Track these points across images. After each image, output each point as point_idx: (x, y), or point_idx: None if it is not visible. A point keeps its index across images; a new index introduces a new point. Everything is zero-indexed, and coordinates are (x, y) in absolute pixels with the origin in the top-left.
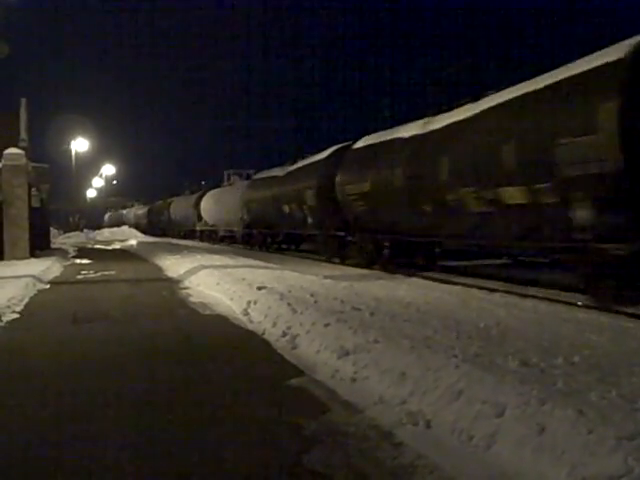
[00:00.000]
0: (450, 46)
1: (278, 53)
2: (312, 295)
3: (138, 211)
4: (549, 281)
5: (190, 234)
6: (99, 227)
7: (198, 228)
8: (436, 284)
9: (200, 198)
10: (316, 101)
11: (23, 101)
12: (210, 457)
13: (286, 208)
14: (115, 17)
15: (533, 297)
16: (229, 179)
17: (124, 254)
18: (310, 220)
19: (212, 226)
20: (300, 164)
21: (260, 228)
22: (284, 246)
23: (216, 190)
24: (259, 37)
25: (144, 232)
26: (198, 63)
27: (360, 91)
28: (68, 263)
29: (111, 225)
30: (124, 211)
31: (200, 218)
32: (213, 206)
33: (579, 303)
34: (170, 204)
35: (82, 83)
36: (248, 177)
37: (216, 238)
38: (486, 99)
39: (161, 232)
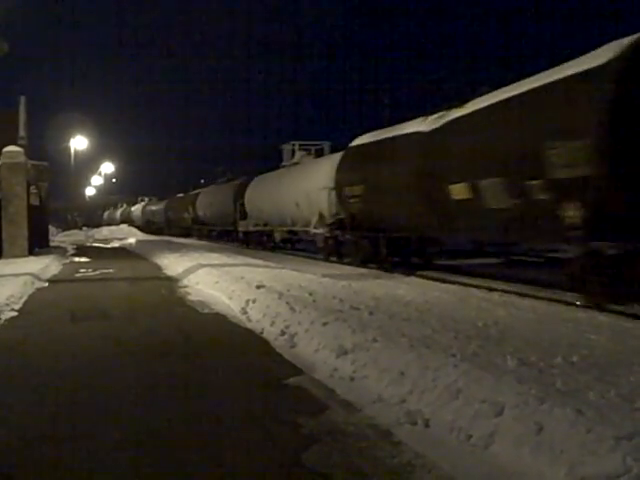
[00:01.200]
0: (451, 44)
1: (277, 49)
2: (311, 294)
3: (151, 207)
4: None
5: (227, 236)
6: (98, 225)
7: (241, 229)
8: (435, 283)
9: (244, 187)
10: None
11: (22, 99)
12: (209, 456)
13: (459, 190)
14: (115, 14)
15: (532, 297)
16: (293, 155)
17: (123, 252)
18: (573, 213)
19: (265, 226)
20: (501, 96)
21: (368, 230)
22: (411, 259)
23: (272, 174)
24: (259, 35)
25: (159, 233)
26: (197, 59)
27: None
28: (67, 261)
29: (111, 224)
30: (132, 208)
31: (244, 215)
32: (268, 197)
33: (578, 303)
34: (197, 197)
35: (81, 81)
36: (320, 153)
37: (269, 242)
38: None
39: (183, 232)
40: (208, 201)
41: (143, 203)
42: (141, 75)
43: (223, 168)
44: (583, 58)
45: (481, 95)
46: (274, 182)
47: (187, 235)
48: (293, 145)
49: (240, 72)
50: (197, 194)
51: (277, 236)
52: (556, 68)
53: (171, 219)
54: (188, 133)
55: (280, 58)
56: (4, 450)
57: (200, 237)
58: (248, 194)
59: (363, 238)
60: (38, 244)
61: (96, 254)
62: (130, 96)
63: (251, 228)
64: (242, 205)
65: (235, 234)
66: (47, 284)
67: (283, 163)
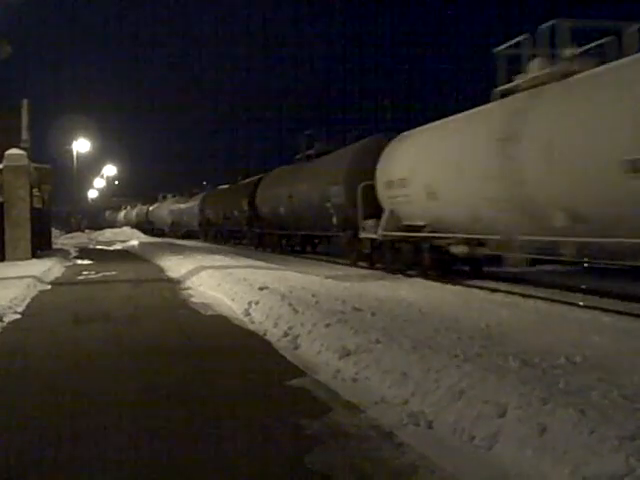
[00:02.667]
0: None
1: (277, 51)
2: (313, 295)
3: (179, 205)
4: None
5: (322, 246)
6: (101, 228)
7: (367, 235)
8: (438, 284)
9: (371, 155)
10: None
11: (25, 102)
12: (212, 457)
13: None
14: (117, 17)
15: (535, 297)
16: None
17: (125, 255)
18: None
19: (432, 232)
20: None
21: None
22: None
23: (478, 111)
24: (260, 36)
25: (191, 237)
26: (199, 62)
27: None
28: (69, 264)
29: (117, 226)
30: (151, 207)
31: (372, 209)
32: (462, 164)
33: (580, 303)
34: (257, 186)
35: (84, 84)
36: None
37: (438, 264)
38: None
39: (229, 238)
40: (284, 190)
41: (167, 201)
42: (143, 77)
43: (310, 131)
44: None
45: None
46: (501, 122)
47: (237, 241)
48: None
49: (242, 72)
50: (257, 181)
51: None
52: None
53: (210, 220)
54: (191, 135)
55: (280, 57)
56: (7, 451)
57: (262, 246)
58: (384, 168)
59: None
60: (41, 247)
61: (99, 256)
62: (132, 98)
63: (391, 233)
64: (370, 190)
65: (348, 246)
66: (50, 287)
67: (499, 88)
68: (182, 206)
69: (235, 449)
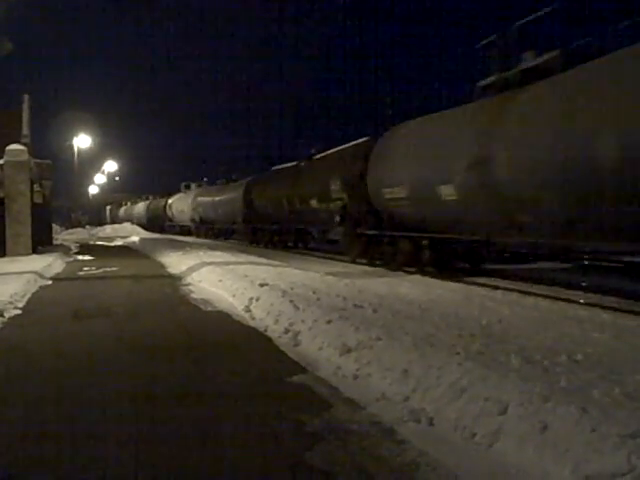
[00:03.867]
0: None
1: (278, 50)
2: (314, 292)
3: (212, 197)
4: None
5: None
6: (101, 224)
7: None
8: (438, 281)
9: None
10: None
11: (26, 97)
12: (212, 454)
13: None
14: (118, 14)
15: (535, 295)
16: None
17: (126, 251)
18: None
19: None
20: None
21: None
22: None
23: None
24: (260, 34)
25: (225, 236)
26: (200, 56)
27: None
28: (70, 259)
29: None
30: (170, 200)
31: None
32: None
33: (581, 301)
34: (367, 157)
35: (84, 79)
36: None
37: None
38: None
39: (297, 239)
40: (455, 153)
41: (192, 192)
42: (144, 73)
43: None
44: None
45: None
46: None
47: (303, 244)
48: None
49: (241, 69)
50: (366, 148)
51: None
52: None
53: (263, 216)
54: (191, 131)
55: (280, 56)
56: (5, 447)
57: (366, 257)
58: None
59: None
60: (41, 242)
61: (100, 252)
62: (133, 95)
63: None
64: None
65: None
66: (50, 282)
67: None
68: (216, 198)
69: (235, 446)
